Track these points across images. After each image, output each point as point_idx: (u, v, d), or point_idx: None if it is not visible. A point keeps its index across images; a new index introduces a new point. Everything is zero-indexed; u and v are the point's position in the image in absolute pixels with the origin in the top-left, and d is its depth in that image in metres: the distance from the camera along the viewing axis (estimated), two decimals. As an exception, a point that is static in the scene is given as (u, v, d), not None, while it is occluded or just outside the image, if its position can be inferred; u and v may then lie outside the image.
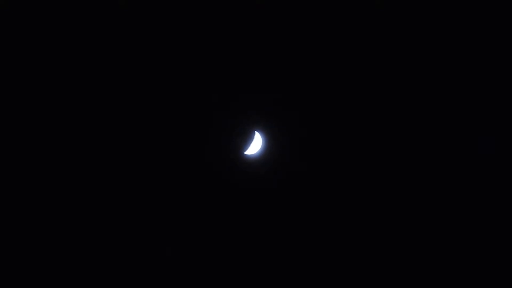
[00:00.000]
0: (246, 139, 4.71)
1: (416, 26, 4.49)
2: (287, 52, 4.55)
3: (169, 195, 4.70)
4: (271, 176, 4.80)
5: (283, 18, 4.47)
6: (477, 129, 4.61)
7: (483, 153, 4.62)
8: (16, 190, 4.47)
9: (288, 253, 4.83)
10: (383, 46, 4.53)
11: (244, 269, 4.81)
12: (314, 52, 4.55)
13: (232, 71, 4.54)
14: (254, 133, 4.73)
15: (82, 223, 4.57)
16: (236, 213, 4.80)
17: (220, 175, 4.75)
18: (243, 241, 4.82)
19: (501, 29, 4.47)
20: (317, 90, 4.64)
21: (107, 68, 4.46)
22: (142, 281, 4.66)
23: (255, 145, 4.76)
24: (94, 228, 4.59)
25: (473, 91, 4.59)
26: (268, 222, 4.83)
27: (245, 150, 4.75)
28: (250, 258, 4.82)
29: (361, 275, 4.78)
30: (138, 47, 4.45)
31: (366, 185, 4.79)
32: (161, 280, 4.70)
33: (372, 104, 4.66)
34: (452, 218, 4.71)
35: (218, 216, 4.78)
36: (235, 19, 4.44)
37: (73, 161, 4.53)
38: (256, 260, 4.82)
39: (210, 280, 4.77)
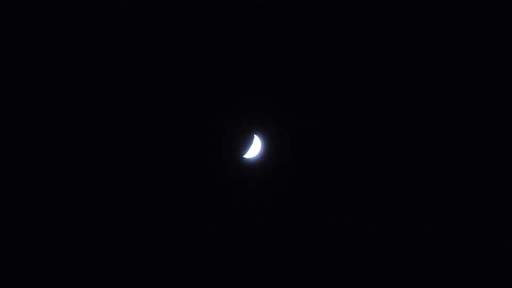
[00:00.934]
0: (246, 142, 4.70)
1: (416, 26, 4.51)
2: (287, 52, 4.56)
3: (167, 197, 4.68)
4: (271, 177, 4.79)
5: (283, 18, 4.49)
6: (477, 129, 4.62)
7: (483, 153, 4.63)
8: (16, 190, 4.45)
9: (287, 257, 4.81)
10: (383, 46, 4.56)
11: (244, 272, 4.79)
12: (314, 52, 4.57)
13: (232, 71, 4.55)
14: (253, 136, 4.73)
15: (80, 222, 4.55)
16: (235, 216, 4.79)
17: (219, 177, 4.74)
18: (242, 244, 4.80)
19: (501, 29, 4.50)
20: (317, 91, 4.65)
21: (107, 68, 4.46)
22: (141, 281, 4.64)
23: (254, 148, 4.76)
24: (91, 228, 4.56)
25: (473, 91, 4.61)
26: (268, 225, 4.81)
27: (244, 153, 4.74)
28: (249, 262, 4.80)
29: (362, 275, 4.76)
30: (138, 47, 4.46)
31: (367, 188, 4.78)
32: (161, 281, 4.68)
33: (372, 105, 4.67)
34: (452, 218, 4.71)
35: (217, 218, 4.76)
36: (235, 19, 4.46)
37: (73, 161, 4.52)
38: (255, 263, 4.80)
39: (209, 283, 4.74)
